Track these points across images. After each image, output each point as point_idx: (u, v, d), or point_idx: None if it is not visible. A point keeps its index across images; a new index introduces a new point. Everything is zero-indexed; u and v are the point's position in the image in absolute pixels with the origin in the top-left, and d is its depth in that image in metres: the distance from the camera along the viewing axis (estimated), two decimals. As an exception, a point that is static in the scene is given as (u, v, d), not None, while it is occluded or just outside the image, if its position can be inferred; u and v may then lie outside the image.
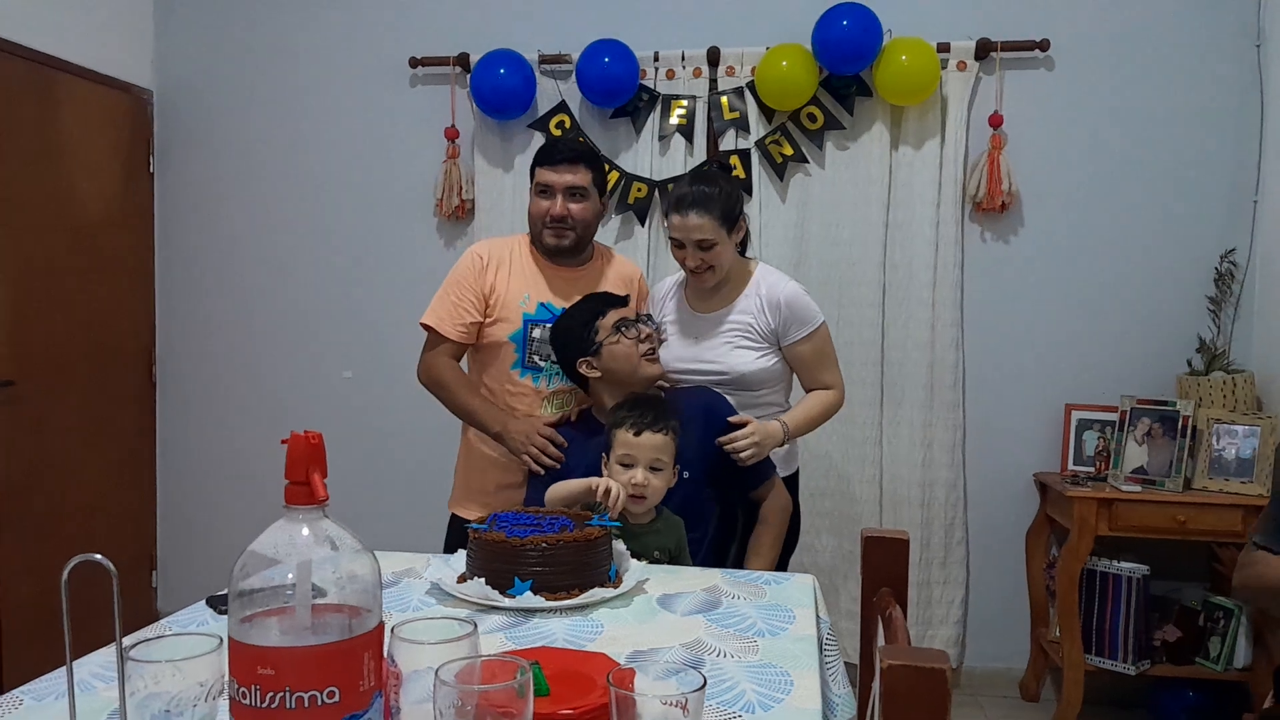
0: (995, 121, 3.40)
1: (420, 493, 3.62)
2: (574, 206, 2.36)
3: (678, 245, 2.35)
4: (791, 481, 2.49)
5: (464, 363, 2.50)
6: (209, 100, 3.91)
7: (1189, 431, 3.14)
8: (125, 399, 3.84)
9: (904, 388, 3.47)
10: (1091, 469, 3.31)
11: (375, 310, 3.78)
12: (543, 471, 2.21)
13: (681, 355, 2.40)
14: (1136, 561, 3.19)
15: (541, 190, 2.38)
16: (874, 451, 3.48)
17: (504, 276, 2.40)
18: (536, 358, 2.38)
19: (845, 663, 1.66)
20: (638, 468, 1.94)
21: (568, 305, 2.35)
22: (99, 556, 0.84)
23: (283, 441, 0.83)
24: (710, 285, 2.38)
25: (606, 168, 2.60)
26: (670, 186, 3.47)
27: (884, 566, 1.17)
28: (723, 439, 2.17)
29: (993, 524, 3.53)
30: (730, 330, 2.38)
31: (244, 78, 3.88)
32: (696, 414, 2.18)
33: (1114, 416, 3.30)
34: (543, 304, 2.39)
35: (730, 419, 2.21)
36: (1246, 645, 3.09)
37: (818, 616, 1.60)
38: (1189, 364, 3.34)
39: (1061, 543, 3.41)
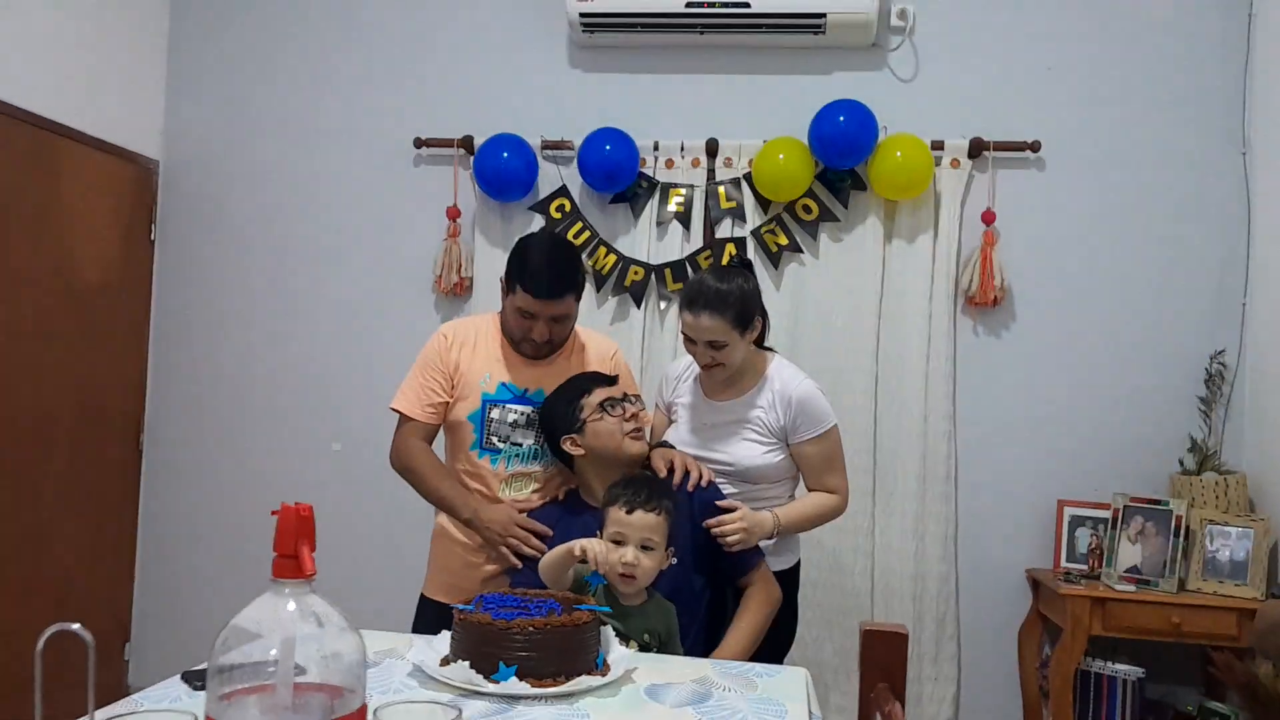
0: (988, 218, 3.46)
1: (400, 572, 3.54)
2: (557, 329, 2.32)
3: (689, 340, 2.34)
4: (791, 575, 2.46)
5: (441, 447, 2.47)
6: (214, 172, 3.96)
7: (1182, 531, 3.12)
8: (110, 465, 3.79)
9: (896, 478, 3.45)
10: (1085, 566, 3.28)
11: (369, 383, 3.76)
12: (520, 565, 2.18)
13: (688, 440, 2.40)
14: (1131, 662, 3.15)
15: (524, 314, 2.29)
16: (866, 542, 3.45)
17: (468, 355, 2.37)
18: (495, 439, 2.33)
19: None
20: (629, 546, 1.92)
21: (530, 386, 2.34)
22: (77, 626, 0.82)
23: (273, 513, 0.81)
24: (720, 379, 2.38)
25: (579, 245, 2.49)
26: (669, 271, 3.51)
27: (882, 660, 1.15)
28: (710, 521, 2.15)
29: (985, 620, 3.48)
30: (741, 423, 2.37)
31: (250, 152, 3.93)
32: (685, 497, 2.17)
33: (1107, 514, 3.28)
34: (504, 384, 2.35)
35: (719, 503, 2.19)
36: (1243, 753, 3.02)
37: (810, 711, 1.57)
38: (1181, 463, 3.34)
39: (1055, 641, 3.35)
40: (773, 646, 2.39)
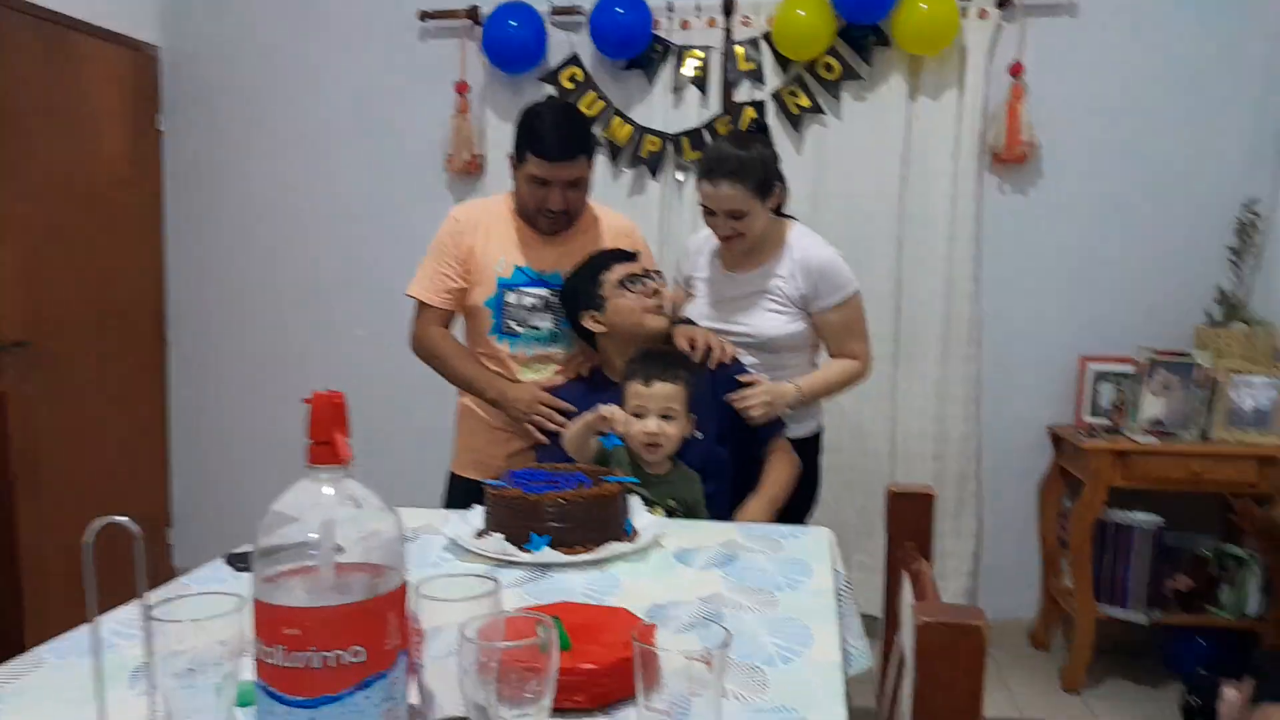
0: (1016, 71, 3.34)
1: (430, 451, 3.62)
2: (573, 195, 2.27)
3: (708, 212, 2.31)
4: (813, 443, 2.49)
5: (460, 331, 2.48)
6: (216, 56, 3.87)
7: (1207, 383, 3.12)
8: (138, 359, 3.85)
9: (918, 340, 3.45)
10: (1107, 421, 3.30)
11: (386, 267, 3.74)
12: (546, 440, 2.21)
13: (708, 314, 2.39)
14: (1150, 512, 3.19)
15: (537, 181, 2.24)
16: (887, 405, 3.47)
17: (481, 240, 2.34)
18: (512, 323, 2.33)
19: (861, 614, 1.67)
20: (650, 417, 1.95)
21: (546, 268, 2.33)
22: (124, 519, 0.84)
23: (304, 401, 0.82)
24: (741, 251, 2.35)
25: (593, 116, 2.39)
26: (686, 140, 3.44)
27: (908, 521, 1.17)
28: (732, 395, 2.18)
29: (1005, 476, 3.53)
30: (760, 293, 2.35)
31: (251, 33, 3.83)
32: (708, 373, 2.19)
33: (1130, 369, 3.28)
34: (519, 268, 2.33)
35: (740, 378, 2.21)
36: (1258, 593, 3.10)
37: (834, 570, 1.61)
38: (1208, 315, 3.31)
39: (1075, 494, 3.41)
40: (795, 512, 2.45)
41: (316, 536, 0.82)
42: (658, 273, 2.27)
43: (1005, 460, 3.52)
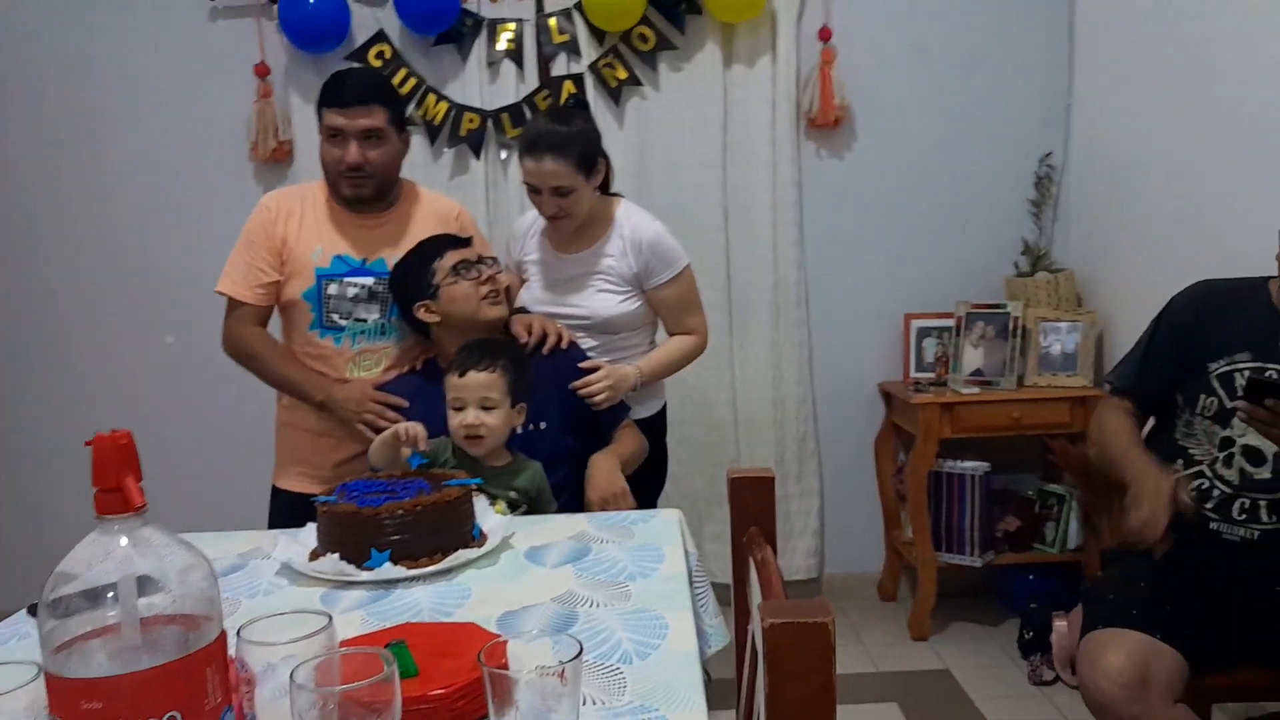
0: (824, 35, 3.40)
1: (251, 464, 3.41)
2: (371, 153, 2.14)
3: (533, 190, 2.24)
4: (658, 420, 2.48)
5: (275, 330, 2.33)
6: (-17, 45, 3.49)
7: (1019, 331, 3.28)
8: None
9: (751, 308, 3.49)
10: (933, 375, 3.43)
11: (196, 267, 3.46)
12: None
13: (542, 298, 2.34)
14: (977, 459, 3.35)
15: (332, 134, 2.13)
16: (727, 375, 3.50)
17: (294, 228, 2.20)
18: (335, 315, 2.19)
19: (714, 584, 1.66)
20: (468, 409, 1.88)
21: (369, 256, 2.21)
22: None
23: (86, 444, 0.71)
24: (567, 232, 2.29)
25: (405, 95, 2.31)
26: (506, 117, 3.35)
27: (751, 505, 1.15)
28: (576, 383, 2.14)
29: (842, 435, 3.63)
30: (593, 274, 2.31)
31: (27, 19, 3.46)
32: (549, 361, 2.15)
33: (951, 323, 3.42)
34: (339, 256, 2.20)
35: (581, 365, 2.17)
36: (1078, 528, 3.30)
37: (686, 551, 1.59)
38: (1015, 266, 3.48)
39: (908, 448, 3.54)
40: (646, 492, 2.44)
41: (114, 596, 0.72)
42: (493, 259, 2.19)
43: (841, 420, 3.61)
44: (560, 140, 2.18)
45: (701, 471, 3.52)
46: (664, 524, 1.71)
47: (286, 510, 2.20)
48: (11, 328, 3.60)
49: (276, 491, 2.32)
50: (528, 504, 1.91)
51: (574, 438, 2.15)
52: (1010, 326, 3.28)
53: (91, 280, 3.57)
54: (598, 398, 2.14)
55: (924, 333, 3.49)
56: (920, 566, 3.28)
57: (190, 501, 3.53)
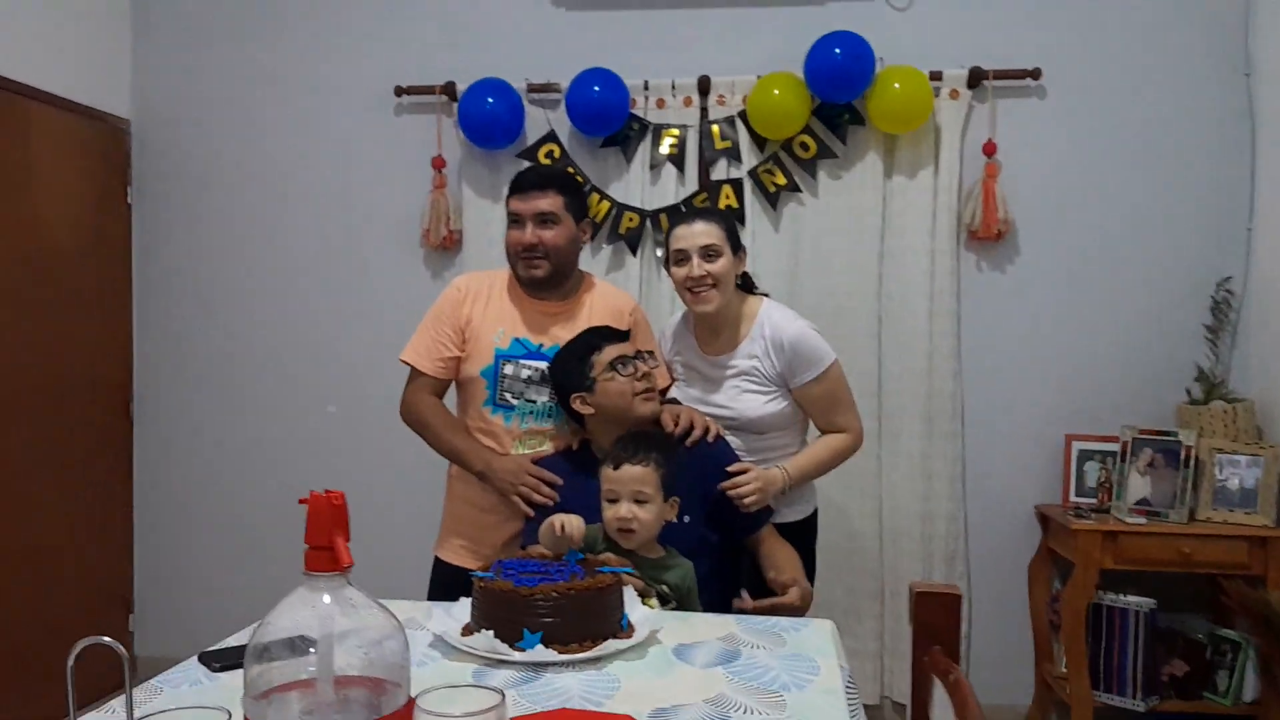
0: (989, 150, 3.38)
1: (405, 534, 3.50)
2: (545, 234, 2.24)
3: (679, 261, 2.28)
4: (809, 524, 2.43)
5: (452, 401, 2.41)
6: (188, 130, 3.82)
7: (1192, 462, 3.09)
8: (100, 436, 3.71)
9: (902, 419, 3.41)
10: (1094, 500, 3.26)
11: (361, 343, 3.69)
12: (533, 512, 2.13)
13: (690, 398, 2.35)
14: (1140, 593, 3.14)
15: (514, 220, 2.28)
16: (873, 484, 3.42)
17: (480, 309, 2.31)
18: (509, 395, 2.26)
19: (864, 705, 1.59)
20: (621, 501, 1.89)
21: (545, 341, 2.27)
22: (109, 640, 0.75)
23: (301, 501, 0.74)
24: (712, 308, 2.28)
25: (585, 188, 2.46)
26: (664, 217, 3.43)
27: (935, 622, 1.09)
28: (724, 484, 2.12)
29: (994, 557, 3.47)
30: (737, 374, 2.32)
31: (224, 106, 3.79)
32: (696, 453, 2.14)
33: (1115, 447, 3.25)
34: (517, 339, 2.28)
35: (729, 468, 2.15)
36: (1255, 678, 3.03)
37: (840, 665, 1.53)
38: (1188, 393, 3.30)
39: (1064, 576, 3.36)
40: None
41: (315, 651, 0.73)
42: (649, 354, 2.22)
43: (993, 541, 3.46)
44: (709, 212, 2.36)
45: (840, 581, 3.41)
46: (817, 634, 1.65)
47: (445, 581, 2.25)
48: (188, 390, 3.83)
49: (438, 562, 2.37)
50: (677, 600, 1.88)
51: (717, 533, 2.12)
52: (1183, 456, 3.09)
53: (264, 348, 3.79)
54: (746, 500, 2.11)
55: (1086, 455, 3.34)
56: (1075, 705, 3.06)
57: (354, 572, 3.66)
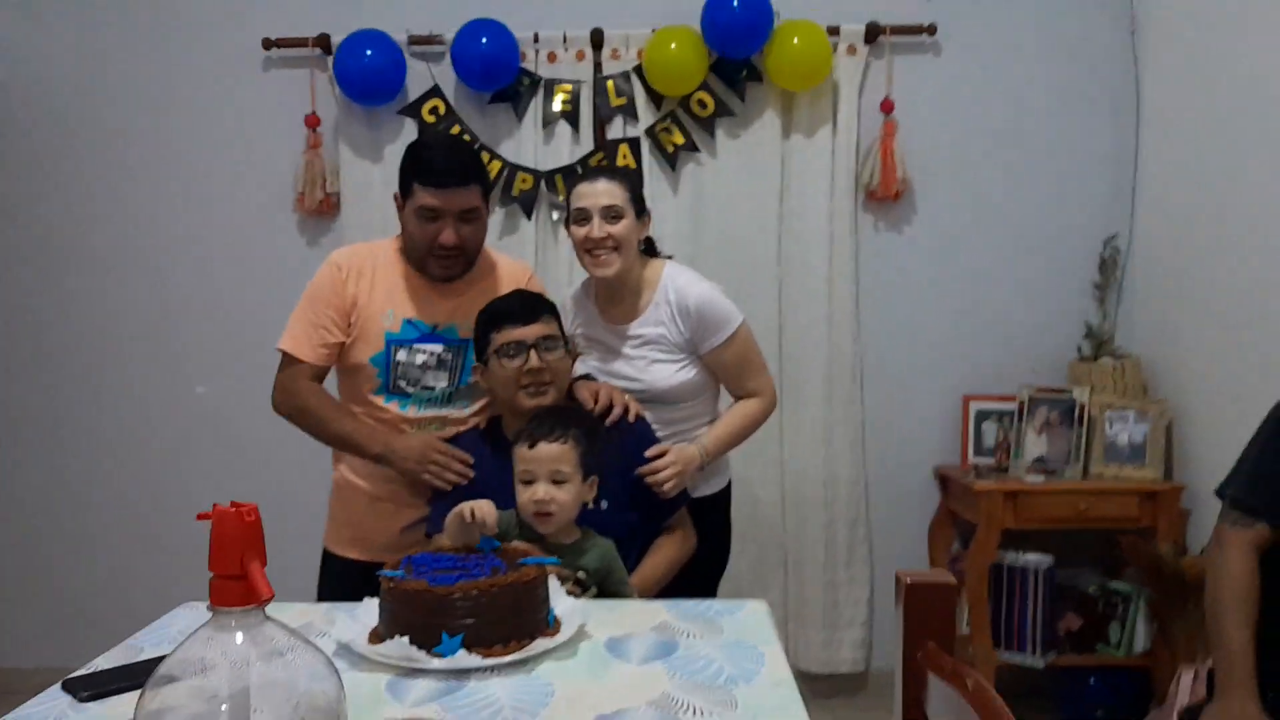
0: (886, 107, 3.33)
1: (288, 524, 3.26)
2: (467, 230, 2.04)
3: (579, 220, 2.14)
4: (724, 496, 2.34)
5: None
6: (32, 87, 3.42)
7: (1084, 419, 3.14)
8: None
9: (803, 383, 3.36)
10: (992, 460, 3.28)
11: (232, 317, 3.41)
12: (449, 488, 1.96)
13: (596, 370, 2.21)
14: (1037, 550, 3.18)
15: (429, 216, 2.02)
16: (775, 449, 3.36)
17: (365, 288, 2.09)
18: (403, 382, 2.08)
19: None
20: (538, 482, 1.75)
21: (440, 321, 2.10)
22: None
23: (200, 516, 0.58)
24: (611, 272, 2.13)
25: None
26: (559, 178, 3.27)
27: (930, 616, 0.99)
28: (642, 470, 2.00)
29: (895, 520, 3.47)
30: (643, 343, 2.19)
31: (73, 61, 3.42)
32: (616, 434, 2.02)
33: (1012, 406, 3.28)
34: (409, 321, 2.09)
35: (647, 453, 2.03)
36: (1146, 629, 3.11)
37: (782, 650, 1.43)
38: (1079, 350, 3.35)
39: (964, 535, 3.38)
40: (707, 572, 2.31)
41: (228, 709, 0.58)
42: (552, 340, 1.98)
43: (894, 503, 3.45)
44: (615, 170, 2.27)
45: (745, 552, 3.34)
46: (754, 618, 1.56)
47: (337, 576, 2.09)
48: (42, 371, 3.48)
49: (327, 556, 2.18)
50: (597, 585, 1.76)
51: (637, 514, 2.00)
52: (1076, 413, 3.14)
53: (125, 324, 3.46)
54: (665, 485, 2.00)
55: (983, 415, 3.36)
56: (978, 665, 3.08)
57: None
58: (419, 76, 3.31)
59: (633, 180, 2.21)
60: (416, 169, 2.03)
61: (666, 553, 2.03)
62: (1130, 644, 3.11)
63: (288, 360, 2.11)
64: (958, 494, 3.29)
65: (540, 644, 1.35)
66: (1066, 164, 3.39)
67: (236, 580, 0.58)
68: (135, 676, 1.27)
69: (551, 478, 1.75)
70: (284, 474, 3.27)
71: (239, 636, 0.59)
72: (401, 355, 2.07)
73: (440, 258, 2.05)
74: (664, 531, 2.07)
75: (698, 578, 2.17)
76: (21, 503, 3.50)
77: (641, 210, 2.19)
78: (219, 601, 0.58)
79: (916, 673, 1.00)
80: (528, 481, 1.76)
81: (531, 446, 1.77)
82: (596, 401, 2.03)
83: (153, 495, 3.46)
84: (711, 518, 2.29)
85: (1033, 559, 3.14)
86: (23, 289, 3.47)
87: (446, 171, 2.01)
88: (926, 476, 3.45)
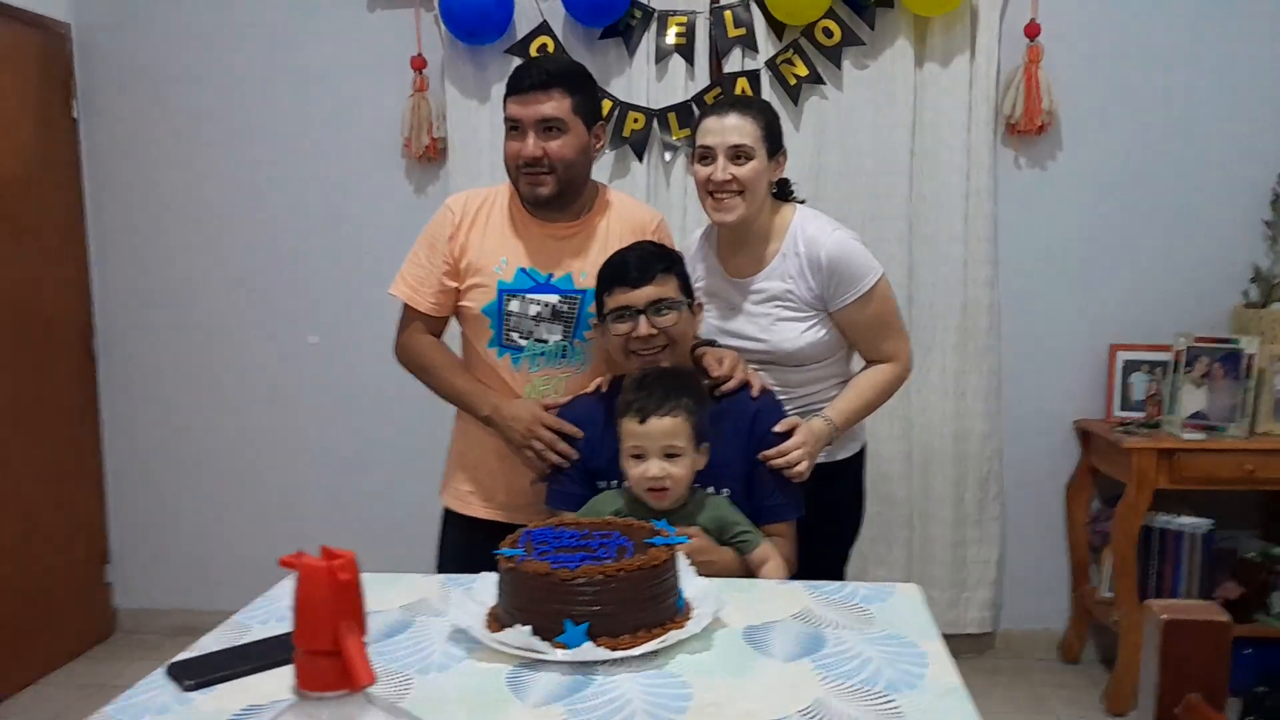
0: (1031, 32, 3.04)
1: (405, 475, 3.27)
2: (551, 144, 1.89)
3: (704, 159, 1.95)
4: (856, 462, 2.17)
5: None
6: (137, 34, 3.40)
7: (1252, 371, 2.85)
8: (62, 377, 3.39)
9: (934, 332, 3.15)
10: (1141, 415, 3.03)
11: (341, 266, 3.36)
12: (548, 470, 1.85)
13: (715, 329, 2.03)
14: (1193, 513, 2.93)
15: (513, 128, 1.92)
16: (901, 404, 3.16)
17: (478, 236, 1.97)
18: (515, 334, 1.96)
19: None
20: (649, 459, 1.62)
21: (555, 271, 1.96)
22: None
23: (283, 563, 0.47)
24: (733, 218, 1.94)
25: (596, 90, 2.05)
26: (673, 117, 3.10)
27: (1193, 662, 0.78)
28: (769, 454, 1.78)
29: (1030, 477, 3.25)
30: (767, 299, 2.00)
31: (176, 6, 3.38)
32: (739, 420, 1.81)
33: (1166, 356, 3.01)
34: (523, 269, 1.96)
35: (774, 430, 1.82)
36: (1315, 600, 2.86)
37: (945, 649, 1.28)
38: (1245, 296, 3.05)
39: (1105, 494, 3.15)
40: (839, 541, 2.18)
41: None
42: (666, 303, 1.79)
43: (1030, 460, 3.23)
44: (748, 103, 2.00)
45: (869, 506, 3.18)
46: (907, 604, 1.42)
47: (457, 533, 2.04)
48: (154, 322, 3.51)
49: (449, 516, 2.10)
50: (716, 537, 1.64)
51: (749, 511, 1.79)
52: (1243, 365, 2.85)
53: (234, 275, 3.45)
54: (798, 467, 1.79)
55: (1132, 366, 3.10)
56: (1123, 631, 2.88)
57: (343, 521, 3.41)
58: (527, 13, 3.16)
59: (768, 115, 2.00)
60: (508, 84, 1.94)
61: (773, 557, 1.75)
62: (1296, 616, 2.86)
63: (407, 312, 2.03)
64: (1102, 450, 3.05)
65: (673, 635, 1.24)
66: (1235, 89, 3.05)
67: (328, 658, 0.45)
68: (241, 662, 1.21)
69: (664, 453, 1.62)
70: (401, 425, 3.25)
71: (329, 729, 0.47)
72: (514, 305, 1.95)
73: (527, 174, 1.91)
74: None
75: (828, 549, 2.03)
76: (143, 450, 3.56)
77: (776, 149, 2.00)
78: (307, 684, 0.46)
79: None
80: (638, 456, 1.64)
81: (642, 421, 1.63)
82: (720, 369, 1.87)
83: (267, 445, 3.48)
84: (843, 484, 2.14)
85: (1188, 522, 2.90)
86: (137, 243, 3.49)
87: (525, 77, 1.90)
88: (1066, 431, 3.22)
